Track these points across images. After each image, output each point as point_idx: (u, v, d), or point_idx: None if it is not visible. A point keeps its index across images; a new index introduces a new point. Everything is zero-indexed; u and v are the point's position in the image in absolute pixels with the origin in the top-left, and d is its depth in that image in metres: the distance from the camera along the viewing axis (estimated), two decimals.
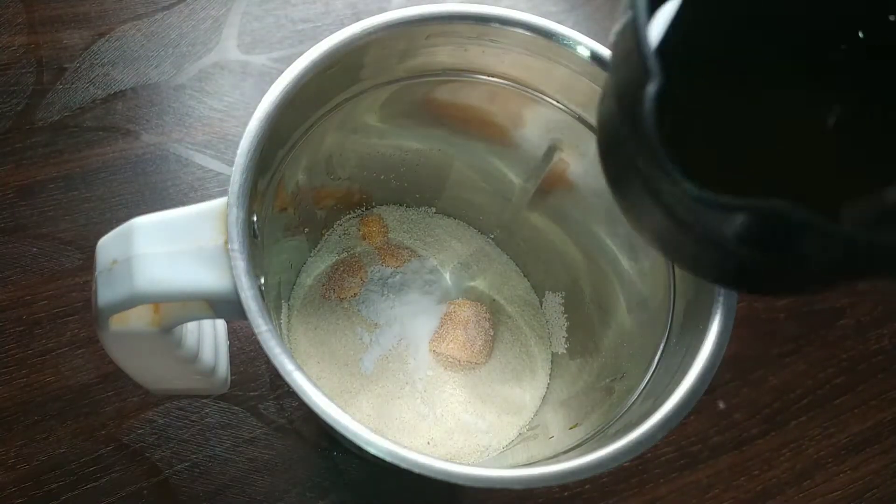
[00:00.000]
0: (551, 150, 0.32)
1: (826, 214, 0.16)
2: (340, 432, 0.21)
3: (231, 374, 0.32)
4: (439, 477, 0.21)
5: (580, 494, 0.36)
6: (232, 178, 0.23)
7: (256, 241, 0.25)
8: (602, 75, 0.27)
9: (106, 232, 0.23)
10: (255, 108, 0.24)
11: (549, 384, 0.35)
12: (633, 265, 0.31)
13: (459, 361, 0.35)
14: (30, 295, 0.36)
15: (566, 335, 0.36)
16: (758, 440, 0.38)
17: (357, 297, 0.36)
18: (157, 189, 0.40)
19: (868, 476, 0.39)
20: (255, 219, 0.25)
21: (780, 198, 0.14)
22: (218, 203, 0.23)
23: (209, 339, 0.29)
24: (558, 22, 0.27)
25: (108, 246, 0.23)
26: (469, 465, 0.21)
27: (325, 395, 0.21)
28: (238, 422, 0.35)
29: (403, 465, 0.21)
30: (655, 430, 0.22)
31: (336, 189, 0.35)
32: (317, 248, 0.37)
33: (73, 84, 0.42)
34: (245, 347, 0.37)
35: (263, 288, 0.25)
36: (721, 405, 0.39)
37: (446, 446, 0.33)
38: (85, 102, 0.42)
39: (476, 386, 0.35)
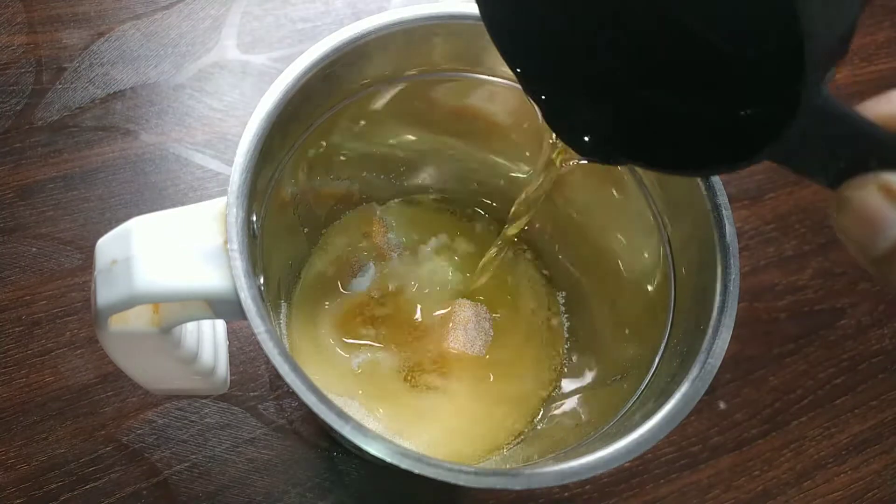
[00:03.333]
0: (552, 149, 0.32)
1: None
2: (340, 432, 0.20)
3: (230, 375, 0.32)
4: (439, 477, 0.21)
5: (580, 495, 0.36)
6: (231, 178, 0.23)
7: (256, 240, 0.25)
8: None
9: (105, 232, 0.23)
10: (254, 108, 0.24)
11: (550, 384, 0.35)
12: (635, 265, 0.31)
13: (460, 361, 0.35)
14: (29, 295, 0.36)
15: (567, 335, 0.36)
16: (758, 440, 0.38)
17: None
18: (156, 189, 0.40)
19: (869, 476, 0.38)
20: (254, 218, 0.24)
21: None
22: (217, 203, 0.23)
23: (209, 339, 0.29)
24: None
25: (107, 246, 0.23)
26: (469, 465, 0.21)
27: (325, 395, 0.21)
28: (237, 422, 0.35)
29: (403, 466, 0.21)
30: (656, 430, 0.22)
31: (336, 189, 0.35)
32: (316, 248, 0.37)
33: (72, 84, 0.42)
34: (244, 348, 0.37)
35: (263, 288, 0.25)
36: (721, 405, 0.39)
37: (447, 446, 0.33)
38: (84, 102, 0.42)
39: (477, 386, 0.35)
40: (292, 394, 0.21)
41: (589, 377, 0.33)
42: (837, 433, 0.39)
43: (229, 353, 0.32)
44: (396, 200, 0.38)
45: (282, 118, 0.25)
